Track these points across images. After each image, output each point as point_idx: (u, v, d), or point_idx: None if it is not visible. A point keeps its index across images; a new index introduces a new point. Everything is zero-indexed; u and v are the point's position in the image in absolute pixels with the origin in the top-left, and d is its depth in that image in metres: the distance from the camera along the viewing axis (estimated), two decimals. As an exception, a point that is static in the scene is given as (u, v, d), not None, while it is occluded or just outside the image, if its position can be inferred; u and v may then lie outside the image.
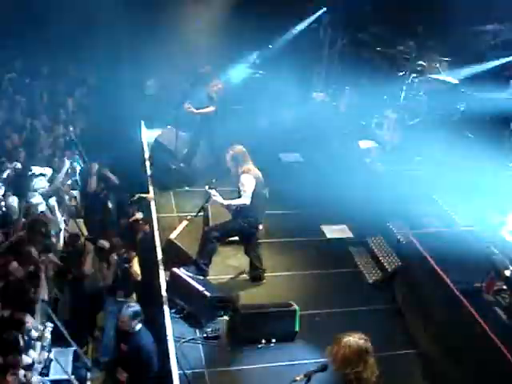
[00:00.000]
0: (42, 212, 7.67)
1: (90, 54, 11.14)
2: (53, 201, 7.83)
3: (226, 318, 6.35)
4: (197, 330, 6.23)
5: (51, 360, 5.84)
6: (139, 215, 7.90)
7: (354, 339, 3.69)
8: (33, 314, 6.04)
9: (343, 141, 10.08)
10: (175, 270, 6.65)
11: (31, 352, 5.73)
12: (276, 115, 11.17)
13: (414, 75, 9.38)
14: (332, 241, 8.06)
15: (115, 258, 6.88)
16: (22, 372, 5.28)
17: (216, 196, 6.62)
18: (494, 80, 9.08)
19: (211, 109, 8.90)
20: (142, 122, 10.84)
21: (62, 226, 7.77)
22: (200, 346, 6.09)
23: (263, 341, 6.10)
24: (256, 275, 7.06)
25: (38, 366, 5.67)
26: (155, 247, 7.48)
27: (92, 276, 7.05)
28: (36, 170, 8.25)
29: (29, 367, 5.43)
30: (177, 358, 5.81)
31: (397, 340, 6.33)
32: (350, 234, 8.20)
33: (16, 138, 9.41)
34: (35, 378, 5.45)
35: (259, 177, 6.72)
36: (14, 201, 7.83)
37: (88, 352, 6.76)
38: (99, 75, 11.77)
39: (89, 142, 9.85)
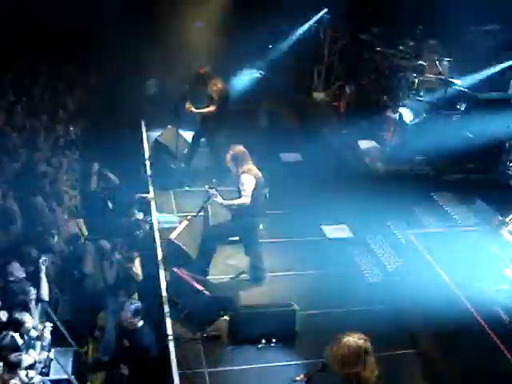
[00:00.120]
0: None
1: (90, 54, 11.12)
2: None
3: (225, 318, 6.36)
4: (197, 330, 6.24)
5: (51, 360, 5.85)
6: (139, 215, 7.91)
7: (354, 339, 3.70)
8: (32, 314, 6.04)
9: (343, 141, 10.07)
10: (175, 269, 6.66)
11: (31, 352, 5.73)
12: (276, 115, 11.18)
13: (414, 75, 9.37)
14: (332, 241, 8.07)
15: (118, 257, 6.90)
16: (23, 372, 5.28)
17: (216, 196, 6.62)
18: (494, 80, 9.11)
19: (211, 109, 8.90)
20: (142, 122, 10.85)
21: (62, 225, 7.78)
22: (200, 345, 6.10)
23: (263, 341, 6.10)
24: (256, 275, 7.06)
25: (39, 366, 5.67)
26: (155, 247, 7.50)
27: (92, 276, 7.05)
28: None
29: (31, 367, 5.44)
30: (177, 358, 5.82)
31: (397, 340, 6.33)
32: (350, 234, 8.20)
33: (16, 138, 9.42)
34: (36, 377, 5.45)
35: (259, 177, 6.72)
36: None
37: (88, 352, 6.76)
38: (99, 75, 11.76)
39: (89, 142, 9.84)
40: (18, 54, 11.32)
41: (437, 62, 9.58)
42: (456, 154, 8.41)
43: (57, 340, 6.14)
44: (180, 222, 7.55)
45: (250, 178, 6.59)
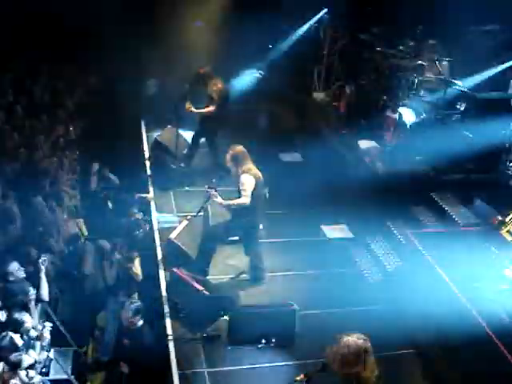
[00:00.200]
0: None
1: (90, 54, 11.12)
2: None
3: (225, 318, 6.35)
4: (197, 330, 6.24)
5: (51, 360, 5.85)
6: (139, 215, 7.91)
7: (354, 339, 3.69)
8: (31, 314, 6.04)
9: (343, 141, 10.07)
10: (175, 269, 6.66)
11: (31, 352, 5.73)
12: (276, 115, 11.16)
13: (414, 75, 9.36)
14: (332, 241, 8.07)
15: (117, 257, 6.90)
16: (23, 372, 5.29)
17: (216, 196, 6.62)
18: (494, 80, 9.09)
19: (211, 109, 8.89)
20: (142, 122, 10.85)
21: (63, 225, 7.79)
22: (200, 345, 6.09)
23: (263, 341, 6.10)
24: (256, 275, 7.06)
25: (38, 366, 5.67)
26: (155, 247, 7.49)
27: (92, 276, 7.05)
28: None
29: (31, 367, 5.44)
30: (177, 357, 5.82)
31: (397, 340, 6.33)
32: (350, 234, 8.20)
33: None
34: (36, 377, 5.45)
35: (259, 177, 6.72)
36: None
37: (88, 352, 6.76)
38: (99, 75, 11.76)
39: (89, 142, 9.84)
40: (18, 54, 11.33)
41: (437, 62, 9.57)
42: (456, 153, 8.40)
43: (57, 340, 6.14)
44: (180, 222, 7.55)
45: (249, 178, 6.59)
